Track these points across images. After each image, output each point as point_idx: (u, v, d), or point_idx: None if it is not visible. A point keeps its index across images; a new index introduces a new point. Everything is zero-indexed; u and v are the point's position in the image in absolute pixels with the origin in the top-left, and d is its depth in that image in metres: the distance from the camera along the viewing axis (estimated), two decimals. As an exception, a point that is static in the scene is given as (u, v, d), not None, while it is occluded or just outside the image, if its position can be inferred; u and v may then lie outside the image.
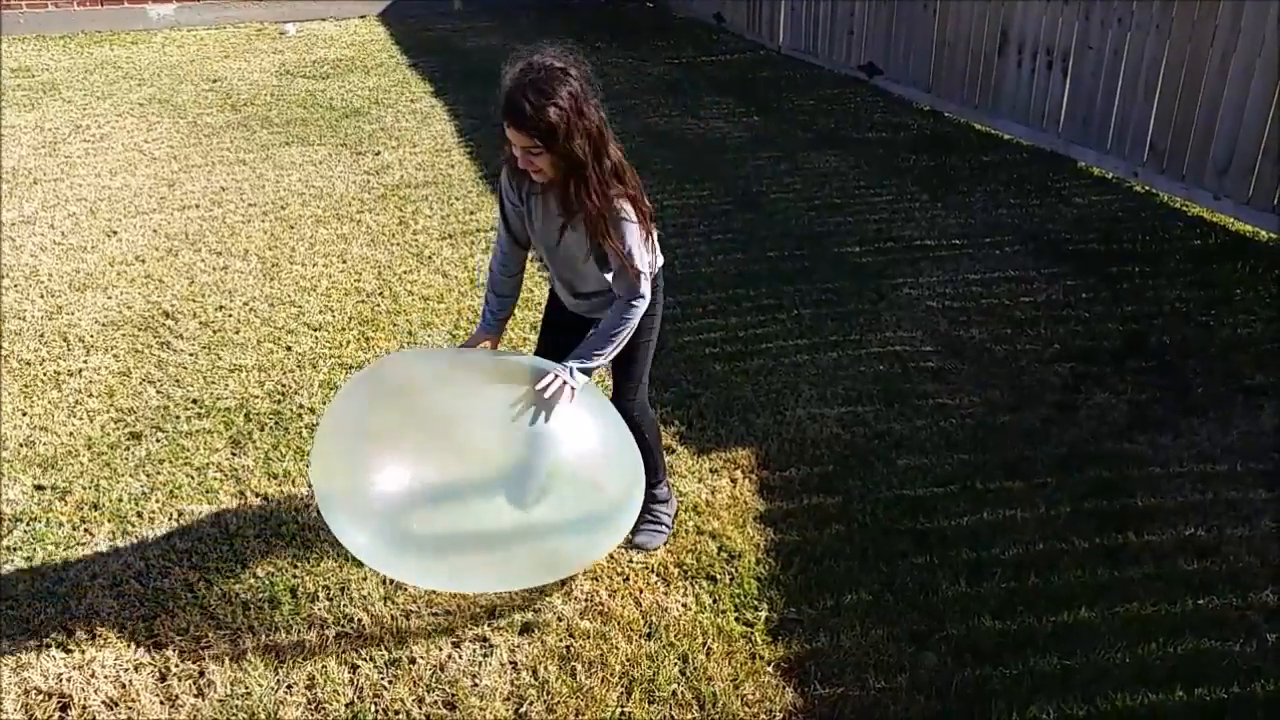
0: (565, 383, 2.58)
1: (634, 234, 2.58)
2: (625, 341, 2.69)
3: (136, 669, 2.72)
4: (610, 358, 2.71)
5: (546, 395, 2.55)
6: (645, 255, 2.62)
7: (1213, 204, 5.69)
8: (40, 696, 2.65)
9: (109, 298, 4.88)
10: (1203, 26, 5.56)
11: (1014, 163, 6.68)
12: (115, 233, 5.67)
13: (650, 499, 3.07)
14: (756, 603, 2.94)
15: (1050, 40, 6.67)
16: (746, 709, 2.60)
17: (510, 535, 2.64)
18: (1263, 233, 5.41)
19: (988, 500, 3.36)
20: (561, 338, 2.90)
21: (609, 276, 2.68)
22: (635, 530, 3.05)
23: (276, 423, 3.83)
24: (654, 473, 3.05)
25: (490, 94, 10.25)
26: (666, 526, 3.17)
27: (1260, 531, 3.19)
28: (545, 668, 2.70)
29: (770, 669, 2.71)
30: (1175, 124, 5.85)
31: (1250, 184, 5.45)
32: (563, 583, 2.97)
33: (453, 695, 2.63)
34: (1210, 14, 5.51)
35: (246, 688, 2.65)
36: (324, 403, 3.93)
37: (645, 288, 2.64)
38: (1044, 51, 6.73)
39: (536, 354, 2.94)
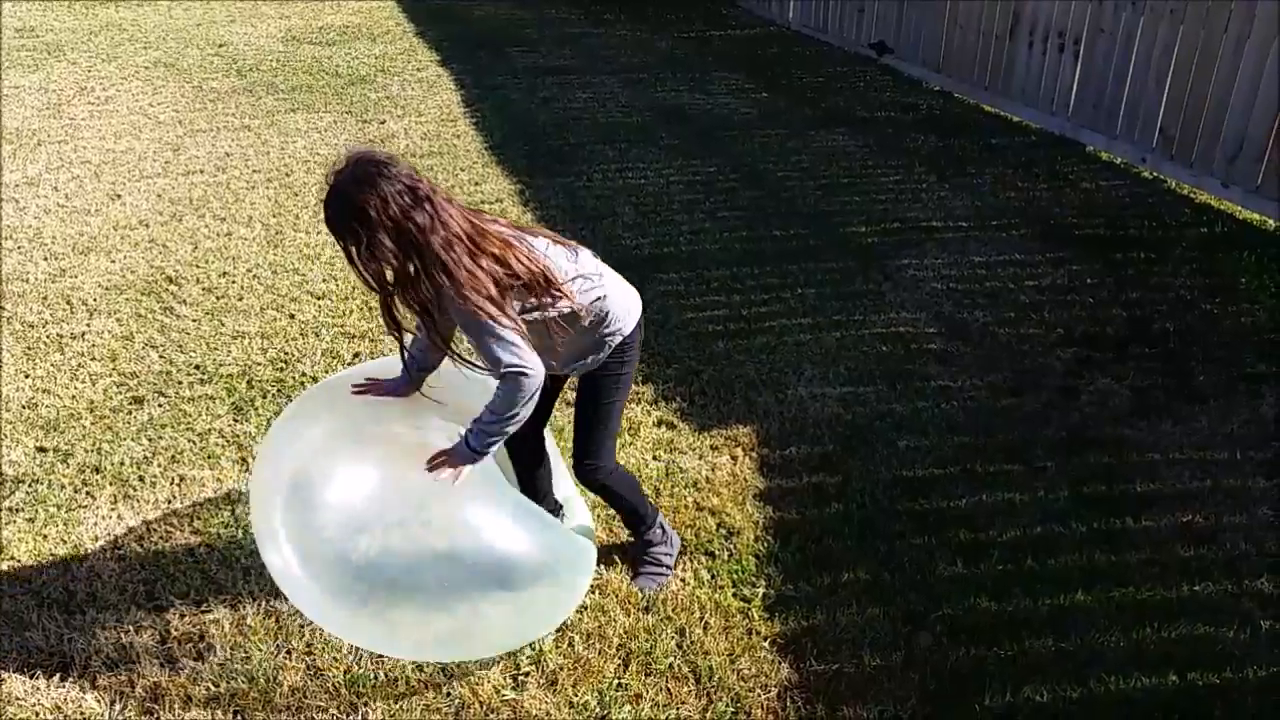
0: (454, 465, 2.41)
1: (482, 328, 2.32)
2: (520, 422, 2.42)
3: (137, 631, 2.74)
4: (503, 438, 2.44)
5: (434, 477, 2.39)
6: (501, 347, 2.32)
7: (1220, 191, 5.66)
8: (41, 656, 2.67)
9: (112, 261, 4.87)
10: (1217, 12, 5.52)
11: (1023, 146, 6.65)
12: (119, 196, 5.66)
13: (644, 545, 2.95)
14: (754, 579, 2.95)
15: (1063, 23, 6.62)
16: (742, 683, 2.61)
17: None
18: (1270, 221, 5.38)
19: (987, 483, 3.37)
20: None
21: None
22: (635, 575, 2.95)
23: (279, 390, 3.83)
24: (641, 520, 2.91)
25: (497, 64, 10.04)
26: (666, 568, 2.95)
27: (1258, 520, 3.20)
28: (543, 638, 2.72)
29: (766, 644, 2.73)
30: (1186, 110, 5.81)
31: (1259, 172, 5.42)
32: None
33: (451, 663, 2.64)
34: (1225, -1, 5.47)
35: (246, 652, 2.67)
36: (327, 371, 3.93)
37: (517, 367, 2.33)
38: (1056, 34, 6.68)
39: None
